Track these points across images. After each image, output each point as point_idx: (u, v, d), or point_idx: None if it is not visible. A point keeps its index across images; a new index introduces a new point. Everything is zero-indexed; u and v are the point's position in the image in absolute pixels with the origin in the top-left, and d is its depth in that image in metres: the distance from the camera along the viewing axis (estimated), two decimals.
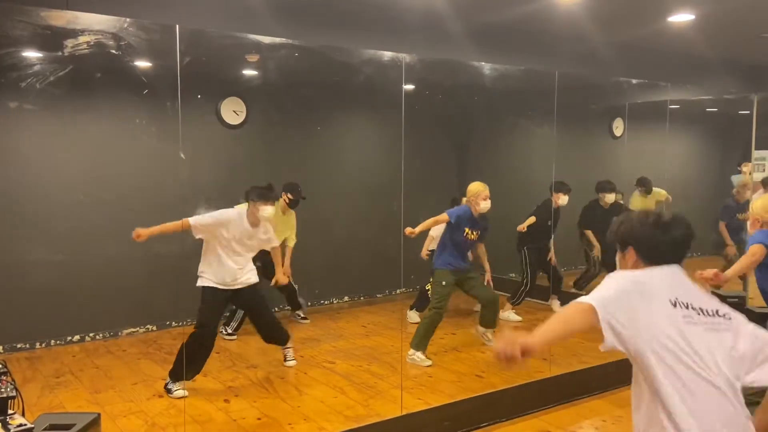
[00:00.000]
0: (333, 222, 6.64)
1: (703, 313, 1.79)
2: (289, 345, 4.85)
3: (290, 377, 4.67)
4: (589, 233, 6.60)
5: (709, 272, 3.48)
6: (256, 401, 4.21)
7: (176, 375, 4.24)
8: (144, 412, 4.00)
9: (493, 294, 5.12)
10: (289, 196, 5.67)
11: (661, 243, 1.89)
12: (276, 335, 4.72)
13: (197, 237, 4.27)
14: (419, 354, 4.84)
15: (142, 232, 4.06)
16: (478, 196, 4.86)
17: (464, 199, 5.08)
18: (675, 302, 1.77)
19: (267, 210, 4.33)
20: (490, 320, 5.18)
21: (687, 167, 8.83)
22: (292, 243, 5.78)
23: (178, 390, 4.23)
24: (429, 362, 4.82)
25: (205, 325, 4.23)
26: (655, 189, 7.13)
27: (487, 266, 5.23)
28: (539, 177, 6.28)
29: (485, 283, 5.14)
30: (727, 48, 5.19)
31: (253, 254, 4.50)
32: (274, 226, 5.53)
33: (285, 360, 4.86)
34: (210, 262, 4.34)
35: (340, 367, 4.88)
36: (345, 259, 6.64)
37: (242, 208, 4.47)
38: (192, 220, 4.20)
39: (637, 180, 6.99)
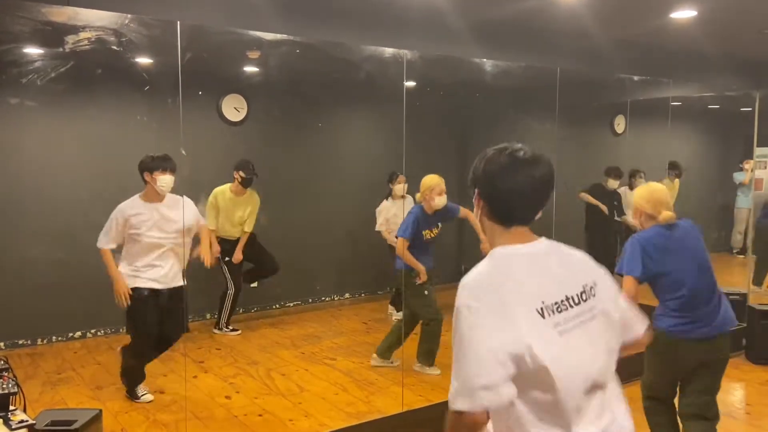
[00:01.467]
0: (334, 218, 6.63)
1: (572, 303, 1.47)
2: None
3: (291, 374, 4.67)
4: (588, 196, 6.86)
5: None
6: (257, 397, 4.21)
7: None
8: (145, 408, 4.00)
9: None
10: (241, 174, 5.46)
11: (513, 189, 1.48)
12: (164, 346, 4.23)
13: (113, 246, 3.98)
14: (426, 369, 4.62)
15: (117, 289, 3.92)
16: (433, 191, 4.41)
17: (417, 195, 4.59)
18: (543, 311, 1.43)
19: (164, 180, 3.95)
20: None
21: (689, 164, 8.81)
22: (248, 228, 5.56)
23: (144, 394, 4.11)
24: (437, 371, 4.59)
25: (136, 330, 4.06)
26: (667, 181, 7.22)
27: (482, 236, 4.67)
28: None
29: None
30: (729, 44, 5.17)
31: (175, 242, 4.01)
32: (227, 209, 5.42)
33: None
34: (134, 263, 4.00)
35: (341, 364, 4.88)
36: (346, 255, 6.64)
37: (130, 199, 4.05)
38: (100, 244, 3.97)
39: (669, 163, 6.99)
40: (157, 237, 3.99)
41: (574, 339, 1.45)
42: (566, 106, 5.12)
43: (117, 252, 4.05)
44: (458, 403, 1.41)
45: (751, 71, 5.80)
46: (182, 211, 4.02)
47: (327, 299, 6.80)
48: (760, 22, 4.41)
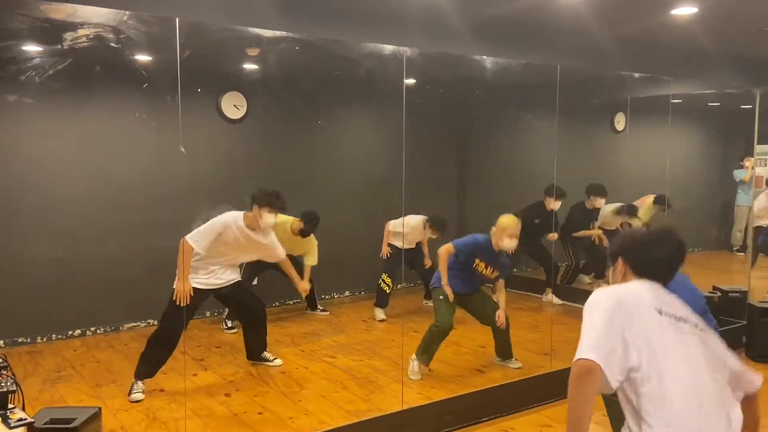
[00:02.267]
0: (334, 216, 6.62)
1: (685, 322, 1.81)
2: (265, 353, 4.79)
3: (291, 372, 4.67)
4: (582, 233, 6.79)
5: None
6: (257, 395, 4.21)
7: (140, 373, 4.17)
8: (145, 406, 4.00)
9: (496, 318, 4.54)
10: (302, 225, 5.63)
11: (652, 257, 1.92)
12: (259, 329, 4.71)
13: (201, 252, 4.18)
14: (415, 363, 4.50)
15: (181, 289, 4.09)
16: (505, 231, 4.35)
17: (492, 229, 4.47)
18: (660, 311, 1.78)
19: (269, 218, 4.25)
20: (503, 350, 4.71)
21: (689, 162, 8.81)
22: (309, 261, 5.81)
23: (137, 393, 4.11)
24: (418, 376, 4.46)
25: (170, 321, 4.16)
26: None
27: (502, 303, 4.60)
28: (540, 171, 6.27)
29: (497, 322, 4.54)
30: (730, 42, 5.16)
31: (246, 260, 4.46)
32: (286, 240, 5.53)
33: (268, 361, 4.78)
34: (197, 268, 4.24)
35: (341, 362, 4.88)
36: (346, 253, 6.63)
37: (236, 213, 4.32)
38: (191, 240, 4.14)
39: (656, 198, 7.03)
40: (233, 257, 4.37)
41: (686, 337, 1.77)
42: (566, 104, 5.11)
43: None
44: (589, 357, 1.67)
45: (752, 68, 5.79)
46: (270, 240, 4.46)
47: (327, 297, 6.79)
48: (760, 20, 4.40)
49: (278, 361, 4.78)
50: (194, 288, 4.18)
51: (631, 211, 6.86)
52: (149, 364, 4.17)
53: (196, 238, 4.16)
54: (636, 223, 7.28)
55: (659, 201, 6.89)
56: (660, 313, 1.77)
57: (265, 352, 4.79)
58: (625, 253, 1.98)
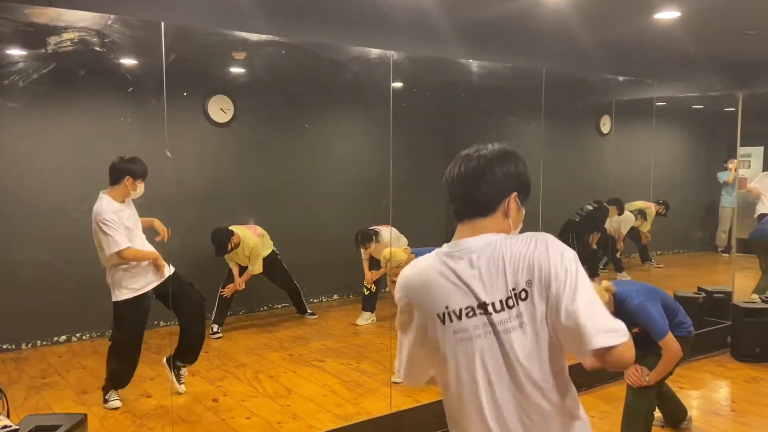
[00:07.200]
0: (321, 220, 6.62)
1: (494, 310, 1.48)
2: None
3: (279, 376, 4.65)
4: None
5: (634, 372, 3.28)
6: (245, 400, 4.19)
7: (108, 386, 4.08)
8: (132, 413, 3.97)
9: None
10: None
11: (450, 186, 1.57)
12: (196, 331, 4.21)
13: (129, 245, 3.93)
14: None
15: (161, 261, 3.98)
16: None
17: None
18: (443, 314, 1.50)
19: (140, 187, 4.00)
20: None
21: (674, 164, 8.90)
22: (249, 269, 5.78)
23: (115, 400, 4.04)
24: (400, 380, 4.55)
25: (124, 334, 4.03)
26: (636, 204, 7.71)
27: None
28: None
29: None
30: (712, 45, 5.22)
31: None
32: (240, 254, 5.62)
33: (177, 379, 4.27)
34: (120, 279, 3.95)
35: (330, 366, 4.87)
36: (334, 256, 6.63)
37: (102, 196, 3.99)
38: (120, 245, 3.84)
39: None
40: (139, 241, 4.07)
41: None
42: (552, 107, 5.15)
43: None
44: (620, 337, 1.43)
45: (734, 71, 5.87)
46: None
47: (315, 301, 6.78)
48: (742, 23, 4.46)
49: (182, 388, 4.27)
50: (129, 299, 3.92)
51: (617, 204, 7.27)
52: (113, 378, 4.06)
53: (117, 239, 3.84)
54: (644, 228, 7.58)
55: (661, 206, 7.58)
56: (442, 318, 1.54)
57: (184, 368, 4.29)
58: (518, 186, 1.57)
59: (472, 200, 1.53)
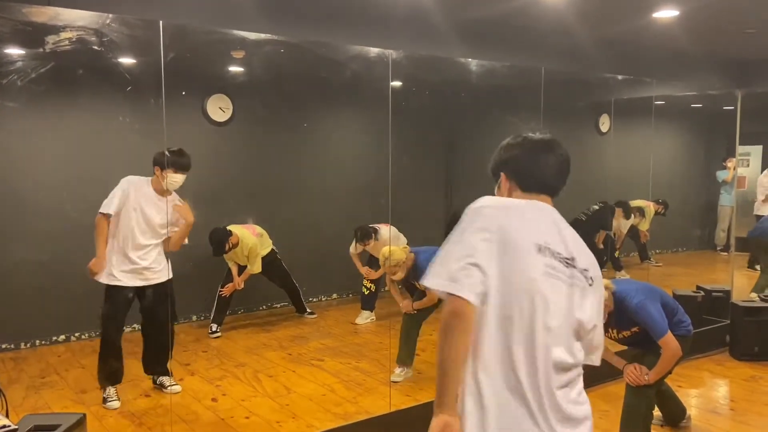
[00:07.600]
0: (320, 219, 6.61)
1: (568, 265, 1.65)
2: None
3: (279, 375, 4.65)
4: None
5: (634, 371, 3.27)
6: (244, 400, 4.18)
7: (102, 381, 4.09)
8: (131, 412, 3.96)
9: None
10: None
11: (537, 165, 1.72)
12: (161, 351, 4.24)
13: (110, 212, 4.01)
14: (398, 369, 4.53)
15: (96, 268, 3.99)
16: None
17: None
18: (540, 247, 1.61)
19: (175, 178, 4.12)
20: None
21: (673, 163, 8.90)
22: (248, 269, 5.77)
23: (114, 400, 4.04)
24: (401, 378, 4.47)
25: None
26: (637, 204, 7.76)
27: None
28: None
29: None
30: (711, 44, 5.22)
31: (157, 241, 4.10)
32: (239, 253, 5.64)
33: (164, 387, 4.29)
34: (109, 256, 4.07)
35: (329, 365, 4.87)
36: (333, 256, 6.62)
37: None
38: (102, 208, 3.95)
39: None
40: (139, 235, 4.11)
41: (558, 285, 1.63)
42: (551, 105, 5.15)
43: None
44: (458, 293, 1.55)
45: (733, 70, 5.87)
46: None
47: (314, 300, 6.78)
48: (741, 22, 4.46)
49: (177, 388, 4.29)
50: (113, 286, 4.02)
51: (623, 206, 7.42)
52: (104, 372, 4.08)
53: (106, 201, 3.97)
54: (643, 226, 7.61)
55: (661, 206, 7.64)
56: (539, 250, 1.60)
57: (163, 377, 4.31)
58: (507, 165, 1.77)
59: (560, 182, 1.76)
